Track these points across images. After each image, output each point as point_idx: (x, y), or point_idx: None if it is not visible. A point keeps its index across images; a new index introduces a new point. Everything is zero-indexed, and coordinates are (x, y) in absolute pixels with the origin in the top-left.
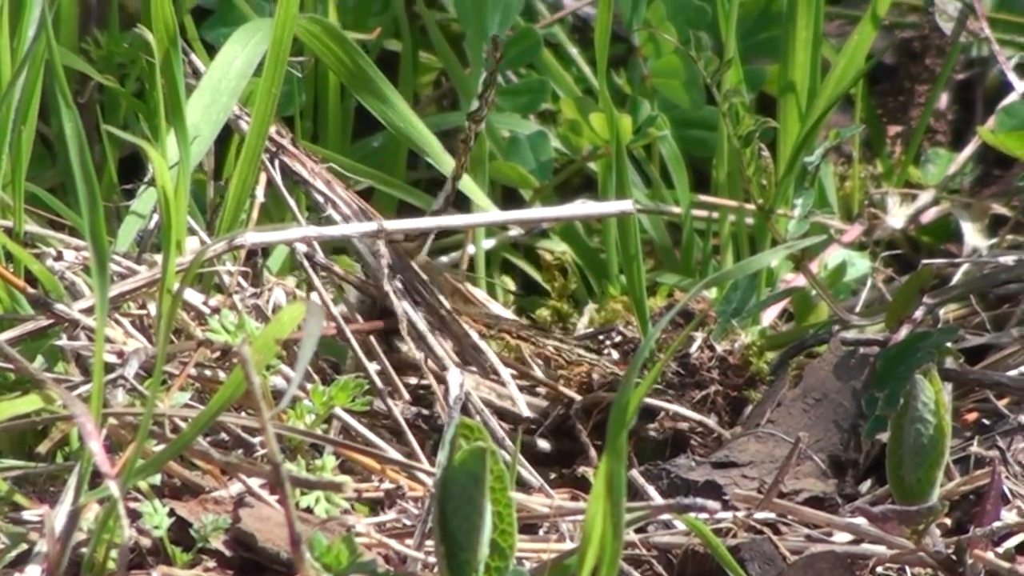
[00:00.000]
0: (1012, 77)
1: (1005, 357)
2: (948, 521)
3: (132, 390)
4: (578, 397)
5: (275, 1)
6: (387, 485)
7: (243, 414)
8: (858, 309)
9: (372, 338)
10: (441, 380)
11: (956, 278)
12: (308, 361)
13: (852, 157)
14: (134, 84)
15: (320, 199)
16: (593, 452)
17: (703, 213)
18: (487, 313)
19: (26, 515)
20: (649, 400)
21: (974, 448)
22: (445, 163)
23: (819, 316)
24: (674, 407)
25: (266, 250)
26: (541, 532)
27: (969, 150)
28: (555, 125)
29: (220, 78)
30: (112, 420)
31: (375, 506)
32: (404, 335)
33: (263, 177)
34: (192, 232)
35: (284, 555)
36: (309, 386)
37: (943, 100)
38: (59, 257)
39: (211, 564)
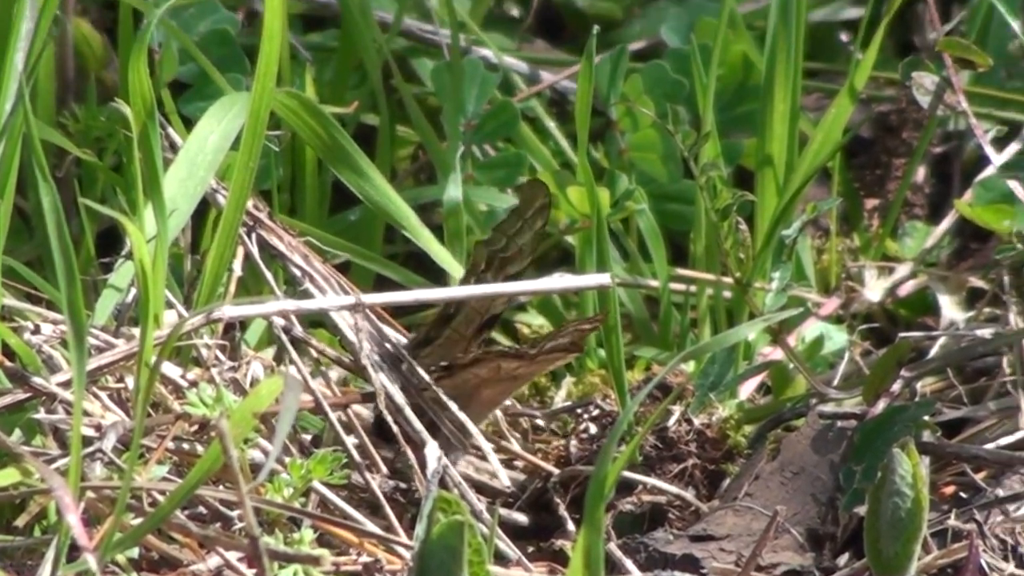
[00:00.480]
0: (989, 151)
1: (982, 430)
2: None
3: (110, 463)
4: (556, 470)
5: (252, 75)
6: (365, 559)
7: (221, 487)
8: (836, 382)
9: (350, 411)
10: (419, 454)
11: (933, 351)
12: (286, 434)
13: (829, 230)
14: (112, 158)
15: (297, 273)
16: (571, 525)
17: (681, 286)
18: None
19: None
20: (627, 473)
21: (952, 521)
22: (422, 237)
23: (797, 389)
24: (652, 480)
25: (244, 323)
26: None
27: (946, 223)
28: None
29: (197, 152)
30: (90, 493)
31: None
32: (382, 409)
33: (240, 251)
34: (170, 305)
35: None
36: (287, 459)
37: (920, 173)
38: (37, 331)
39: None
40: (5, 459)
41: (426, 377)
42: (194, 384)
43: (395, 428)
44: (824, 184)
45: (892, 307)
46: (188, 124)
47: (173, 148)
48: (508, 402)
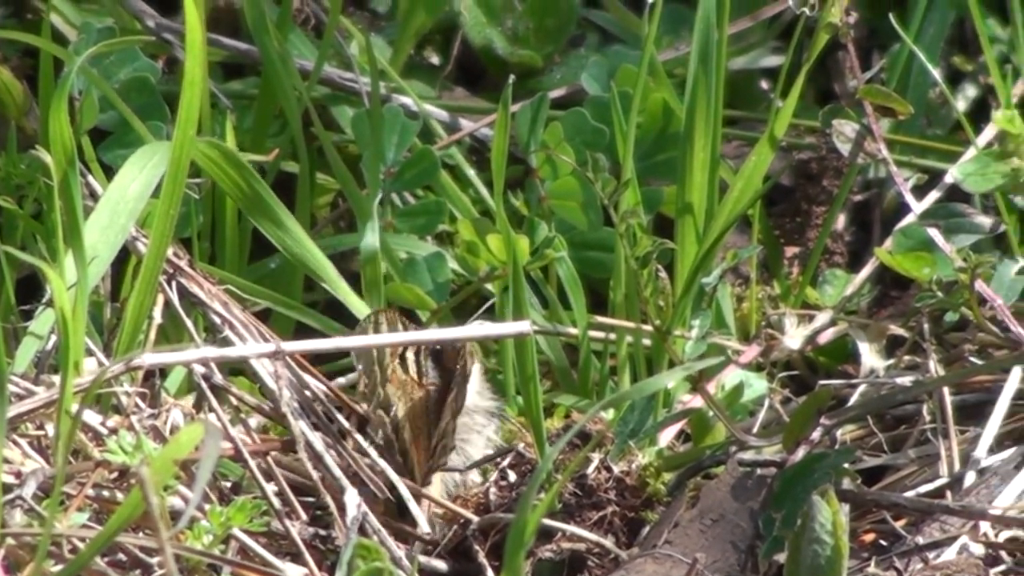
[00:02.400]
0: (909, 198)
1: (902, 478)
2: None
3: (30, 511)
4: (475, 518)
5: (173, 123)
6: None
7: (141, 534)
8: (755, 430)
9: (269, 458)
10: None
11: (853, 399)
12: (206, 482)
13: (749, 278)
14: (32, 205)
15: (217, 320)
16: (491, 573)
17: (600, 334)
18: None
19: None
20: (546, 521)
21: (871, 569)
22: (340, 288)
23: (716, 437)
24: (571, 528)
25: (164, 371)
26: None
27: (866, 271)
28: (452, 246)
29: (118, 199)
30: (10, 540)
31: None
32: (301, 455)
33: (160, 298)
34: (90, 353)
35: None
36: (207, 506)
37: (840, 221)
38: None
39: None
40: None
41: (345, 424)
42: (114, 431)
43: (315, 475)
44: (744, 231)
45: (812, 355)
46: (108, 171)
47: (93, 196)
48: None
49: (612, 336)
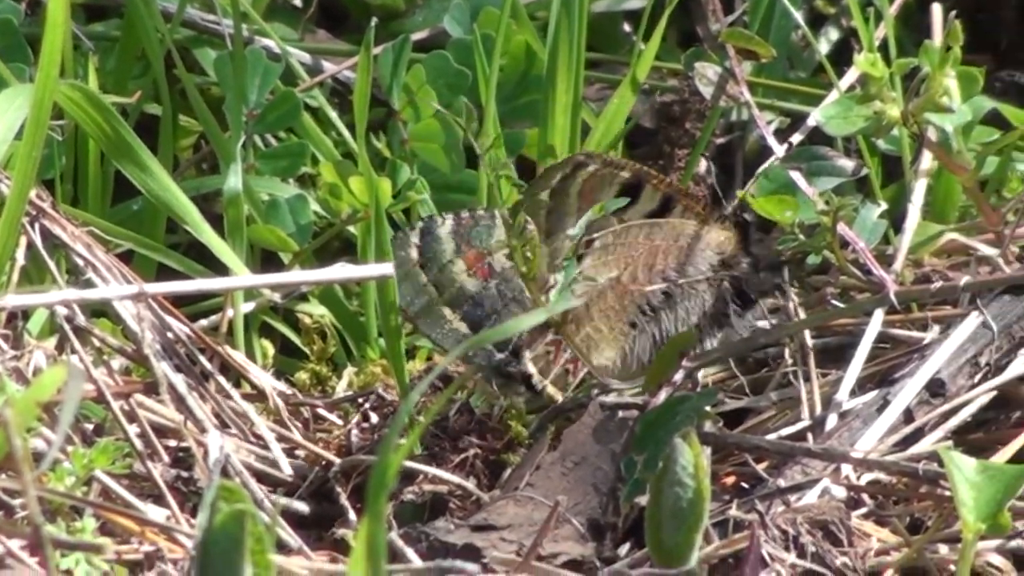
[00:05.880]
0: (771, 141)
1: (764, 421)
2: None
3: None
4: (337, 460)
5: (35, 65)
6: (147, 547)
7: (4, 476)
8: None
9: (132, 400)
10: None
11: (715, 342)
12: (68, 423)
13: None
14: None
15: (80, 262)
16: (353, 515)
17: None
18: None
19: None
20: (408, 463)
21: (733, 512)
22: (203, 230)
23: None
24: (433, 470)
25: (26, 313)
26: None
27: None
28: (315, 189)
29: None
30: None
31: (135, 568)
32: (164, 397)
33: (23, 240)
34: None
35: None
36: (70, 448)
37: (702, 164)
38: None
39: None
40: None
41: (208, 366)
42: None
43: (177, 417)
44: None
45: None
46: None
47: None
48: (289, 391)
49: None
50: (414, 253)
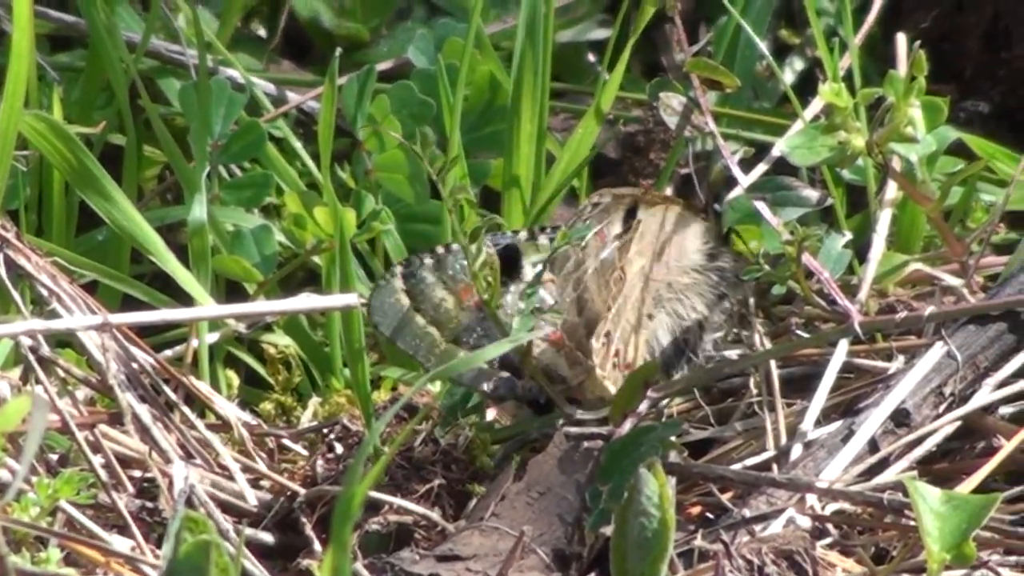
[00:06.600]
0: (736, 171)
1: (729, 451)
2: None
3: None
4: (302, 490)
5: (0, 96)
6: None
7: None
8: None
9: (97, 430)
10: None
11: (680, 372)
12: (33, 454)
13: None
14: None
15: (45, 292)
16: (318, 545)
17: None
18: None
19: None
20: (373, 493)
21: (698, 542)
22: (168, 261)
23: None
24: (398, 500)
25: None
26: None
27: None
28: (279, 219)
29: None
30: None
31: None
32: (129, 428)
33: None
34: None
35: None
36: (34, 479)
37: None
38: None
39: None
40: None
41: (172, 396)
42: None
43: (142, 448)
44: (571, 204)
45: None
46: None
47: None
48: (254, 421)
49: None
50: (404, 299)
